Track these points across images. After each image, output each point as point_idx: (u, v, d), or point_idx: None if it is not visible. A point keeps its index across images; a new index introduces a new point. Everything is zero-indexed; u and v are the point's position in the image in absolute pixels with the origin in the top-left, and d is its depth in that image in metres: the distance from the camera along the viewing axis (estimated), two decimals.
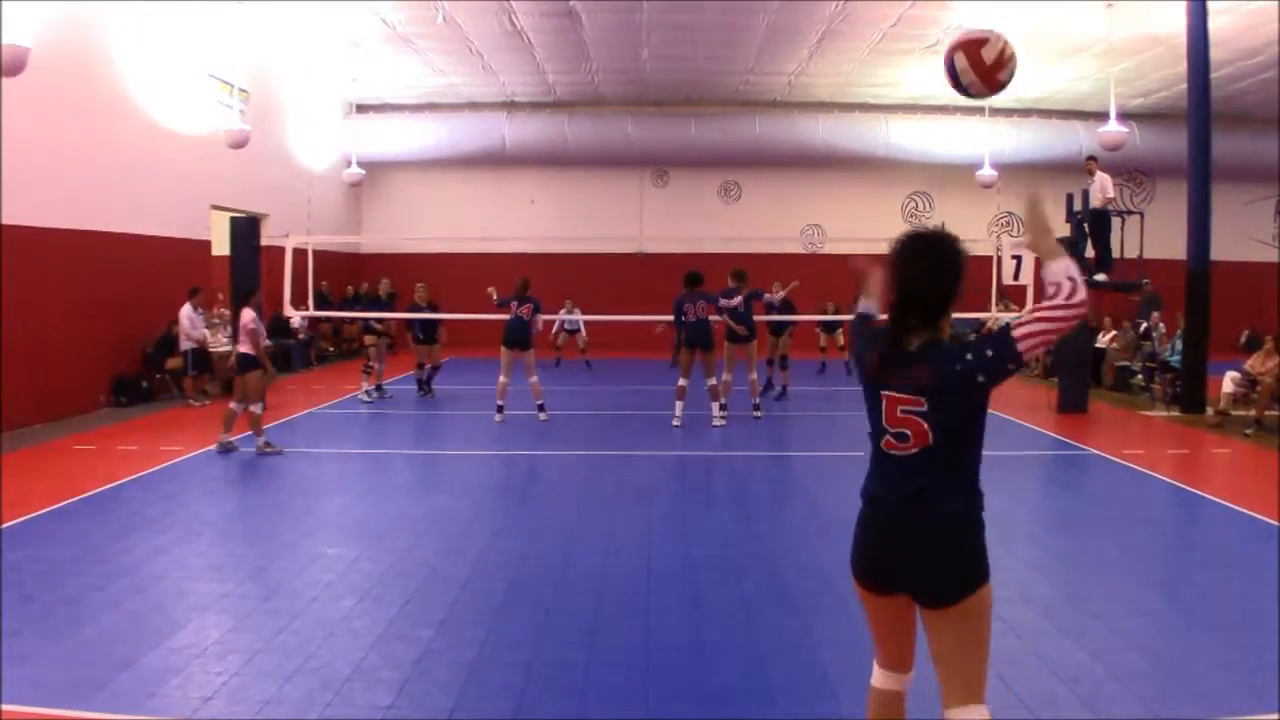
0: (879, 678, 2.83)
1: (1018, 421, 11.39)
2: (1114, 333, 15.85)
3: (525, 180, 21.95)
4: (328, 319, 17.84)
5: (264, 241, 13.48)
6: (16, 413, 10.04)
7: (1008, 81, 4.11)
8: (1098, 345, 15.40)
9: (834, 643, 4.45)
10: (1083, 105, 19.40)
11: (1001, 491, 7.35)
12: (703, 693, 3.96)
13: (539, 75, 18.43)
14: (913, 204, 22.14)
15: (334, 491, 8.00)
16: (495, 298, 11.65)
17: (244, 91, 15.14)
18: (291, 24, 15.19)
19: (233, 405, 9.26)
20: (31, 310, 10.40)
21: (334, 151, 20.01)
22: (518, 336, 11.20)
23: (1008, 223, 21.31)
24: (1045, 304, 2.49)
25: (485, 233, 20.41)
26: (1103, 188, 13.33)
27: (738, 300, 11.16)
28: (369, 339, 13.18)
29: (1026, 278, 12.97)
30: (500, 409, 11.24)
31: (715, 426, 10.84)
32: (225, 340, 13.29)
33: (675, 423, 10.83)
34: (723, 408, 11.09)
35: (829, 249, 20.17)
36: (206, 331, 13.06)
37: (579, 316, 17.92)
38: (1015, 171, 19.48)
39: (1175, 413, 12.08)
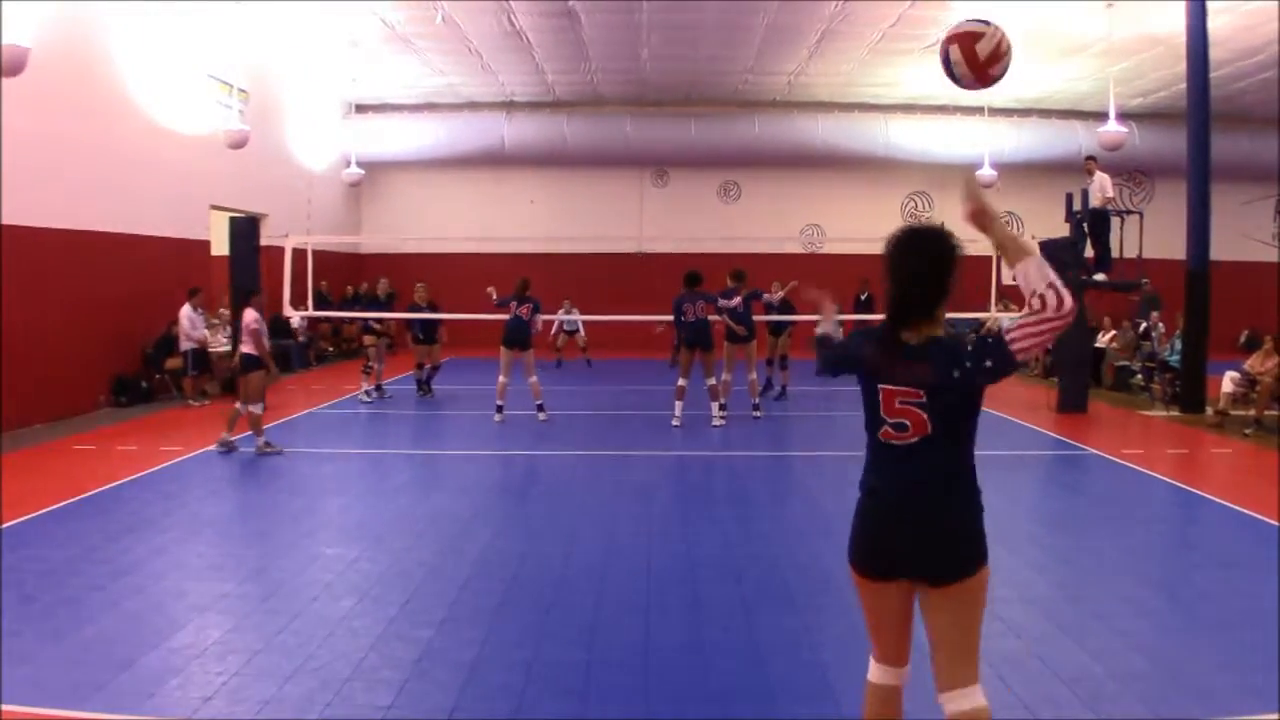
0: (876, 672, 2.84)
1: (1017, 421, 11.34)
2: (1113, 332, 15.85)
3: (525, 180, 21.94)
4: (327, 319, 17.83)
5: (263, 241, 13.46)
6: (16, 413, 10.04)
7: (1001, 76, 4.11)
8: (1097, 345, 15.41)
9: (834, 642, 4.45)
10: (1082, 105, 19.42)
11: (1001, 491, 7.38)
12: (703, 693, 3.96)
13: (538, 75, 18.43)
14: (912, 204, 22.13)
15: (334, 491, 8.00)
16: (495, 298, 11.65)
17: (243, 91, 15.14)
18: (291, 24, 15.20)
19: (238, 405, 9.29)
20: (31, 310, 10.39)
21: (333, 151, 20.00)
22: (517, 336, 11.21)
23: (1008, 222, 21.25)
24: (1034, 318, 2.49)
25: (484, 233, 20.39)
26: (1102, 187, 13.32)
27: (737, 300, 11.17)
28: (368, 339, 13.18)
29: None
30: (500, 409, 11.25)
31: (715, 426, 10.84)
32: (225, 340, 13.29)
33: (675, 423, 10.83)
34: (722, 408, 11.09)
35: (828, 249, 20.20)
36: (206, 332, 13.05)
37: (577, 316, 17.92)
38: (1015, 171, 19.51)
39: (1175, 412, 12.08)
